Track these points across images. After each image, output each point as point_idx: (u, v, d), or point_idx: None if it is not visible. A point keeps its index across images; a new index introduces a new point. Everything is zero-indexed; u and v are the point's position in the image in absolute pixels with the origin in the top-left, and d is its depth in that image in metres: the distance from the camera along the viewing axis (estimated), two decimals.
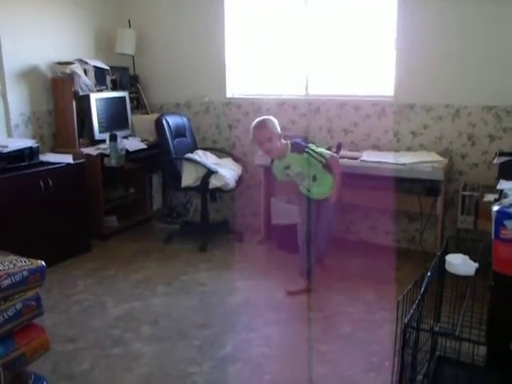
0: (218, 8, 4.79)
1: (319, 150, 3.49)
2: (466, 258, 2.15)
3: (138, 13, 5.18)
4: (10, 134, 4.32)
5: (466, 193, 3.73)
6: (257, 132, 3.43)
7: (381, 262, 4.07)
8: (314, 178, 3.51)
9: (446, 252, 2.41)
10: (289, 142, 3.51)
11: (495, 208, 2.17)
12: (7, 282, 2.28)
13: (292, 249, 4.18)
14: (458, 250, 2.49)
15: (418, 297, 1.96)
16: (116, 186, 4.95)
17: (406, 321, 1.78)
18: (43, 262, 2.47)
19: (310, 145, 3.51)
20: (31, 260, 2.44)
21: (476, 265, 2.11)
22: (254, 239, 4.57)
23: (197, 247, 4.39)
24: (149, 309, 3.37)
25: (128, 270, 3.99)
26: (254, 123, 3.45)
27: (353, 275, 3.87)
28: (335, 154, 3.60)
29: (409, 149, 4.19)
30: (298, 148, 3.46)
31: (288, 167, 3.51)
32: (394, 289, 3.57)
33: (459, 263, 2.12)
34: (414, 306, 1.89)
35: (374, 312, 3.27)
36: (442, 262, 2.31)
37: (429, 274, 2.10)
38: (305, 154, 3.42)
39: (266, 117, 3.50)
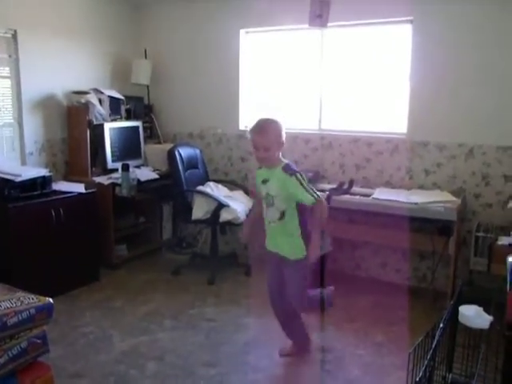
0: (234, 40, 4.85)
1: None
2: (480, 310, 2.11)
3: (154, 43, 5.26)
4: (24, 162, 4.36)
5: (479, 234, 3.68)
6: (256, 136, 2.83)
7: (391, 301, 4.02)
8: (282, 215, 2.87)
9: (459, 301, 2.37)
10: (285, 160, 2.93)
11: (510, 259, 2.13)
12: (14, 320, 2.27)
13: None
14: (471, 294, 2.46)
15: (430, 351, 1.91)
16: (127, 215, 4.95)
17: (418, 379, 1.73)
18: (51, 300, 2.47)
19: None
20: (39, 297, 2.44)
21: (490, 318, 2.06)
22: (262, 272, 4.51)
23: (205, 280, 4.36)
24: (155, 344, 3.33)
25: (135, 301, 3.97)
26: (255, 124, 2.86)
27: (362, 314, 3.81)
28: (325, 202, 2.99)
29: (421, 187, 4.16)
30: (289, 168, 2.84)
31: (266, 181, 2.91)
32: (404, 330, 3.51)
33: (473, 315, 2.08)
34: (425, 362, 1.84)
35: (383, 356, 3.20)
36: (455, 311, 2.26)
37: (441, 325, 2.06)
38: (292, 176, 2.78)
39: (271, 120, 2.86)
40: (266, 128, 2.82)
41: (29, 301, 2.37)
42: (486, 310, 2.22)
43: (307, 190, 2.79)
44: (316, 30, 4.46)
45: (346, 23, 4.36)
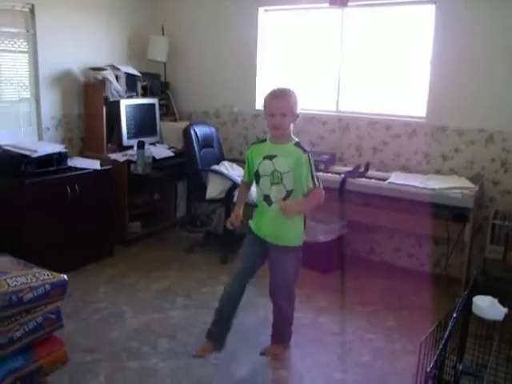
0: (252, 18, 4.78)
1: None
2: (495, 301, 2.08)
3: (172, 20, 5.21)
4: (40, 137, 4.38)
5: (496, 221, 3.64)
6: (273, 101, 2.69)
7: (404, 286, 4.02)
8: (288, 195, 2.72)
9: (473, 290, 2.35)
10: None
11: None
12: (29, 295, 2.31)
13: (314, 266, 4.15)
14: (486, 283, 2.43)
15: (442, 342, 1.90)
16: (141, 192, 4.97)
17: (429, 369, 1.72)
18: (65, 276, 2.50)
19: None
20: (54, 274, 2.47)
21: (505, 310, 2.04)
22: None
23: (218, 259, 4.37)
24: (167, 321, 3.36)
25: (149, 278, 4.00)
26: (272, 90, 2.74)
27: (375, 298, 3.80)
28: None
29: (438, 172, 4.11)
30: (303, 146, 2.75)
31: (272, 157, 2.71)
32: (416, 316, 3.52)
33: (488, 306, 2.05)
34: (437, 352, 1.84)
35: (393, 341, 3.21)
36: (469, 301, 2.24)
37: (454, 315, 2.04)
38: (306, 155, 2.69)
39: (289, 88, 2.76)
40: (286, 92, 2.70)
41: (44, 277, 2.40)
42: (501, 301, 2.20)
43: (313, 174, 2.70)
44: (336, 9, 4.36)
45: (368, 2, 4.27)
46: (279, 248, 2.83)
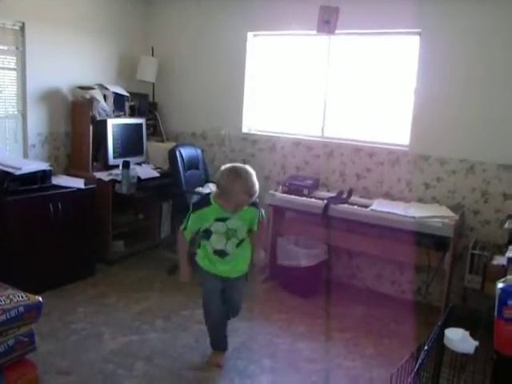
0: (241, 43, 4.85)
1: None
2: (466, 334, 2.10)
3: (162, 41, 5.27)
4: (26, 154, 4.37)
5: (475, 251, 3.67)
6: (244, 182, 2.72)
7: (384, 313, 4.02)
8: (240, 243, 2.95)
9: (447, 322, 2.36)
10: None
11: (500, 285, 2.12)
12: (2, 317, 2.30)
13: (295, 291, 4.16)
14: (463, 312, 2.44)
15: (412, 374, 1.91)
16: (126, 212, 4.97)
17: None
18: (40, 298, 2.48)
19: None
20: (29, 295, 2.45)
21: (476, 343, 2.06)
22: (259, 277, 4.53)
23: (200, 281, 4.35)
24: (145, 344, 3.34)
25: (129, 299, 3.98)
26: (235, 170, 2.75)
27: (355, 325, 3.80)
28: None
29: (420, 200, 4.15)
30: (255, 202, 2.92)
31: (225, 219, 2.84)
32: (396, 344, 3.52)
33: (458, 339, 2.07)
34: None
35: (371, 368, 3.20)
36: (443, 331, 2.25)
37: (426, 348, 2.05)
38: (258, 209, 2.93)
39: (249, 168, 2.81)
40: (251, 174, 2.77)
41: (18, 299, 2.39)
42: (475, 331, 2.22)
43: (260, 212, 2.98)
44: (324, 36, 4.44)
45: (354, 31, 4.34)
46: (237, 278, 3.09)
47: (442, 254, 3.84)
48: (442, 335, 2.25)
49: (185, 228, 2.89)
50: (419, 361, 1.99)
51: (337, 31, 4.28)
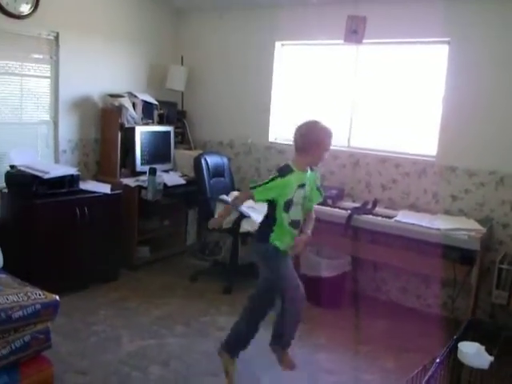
0: (269, 52, 4.88)
1: None
2: (482, 349, 2.02)
3: (191, 51, 5.35)
4: (57, 159, 4.49)
5: (503, 266, 3.56)
6: (330, 139, 2.87)
7: (408, 327, 3.93)
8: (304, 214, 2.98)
9: (464, 335, 2.29)
10: None
11: None
12: (19, 313, 2.34)
13: (318, 303, 4.10)
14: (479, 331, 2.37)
15: None
16: (152, 218, 5.02)
17: None
18: (57, 297, 2.53)
19: None
20: (46, 293, 2.50)
21: (491, 358, 1.98)
22: None
23: (222, 289, 4.37)
24: (163, 348, 3.36)
25: (150, 304, 4.01)
26: (327, 128, 2.87)
27: (376, 338, 3.73)
28: None
29: (447, 212, 4.06)
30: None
31: (303, 185, 2.87)
32: (417, 359, 3.41)
33: (472, 354, 2.00)
34: None
35: (390, 383, 3.12)
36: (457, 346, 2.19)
37: (437, 360, 1.99)
38: (314, 171, 2.97)
39: None
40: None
41: (35, 296, 2.44)
42: (494, 346, 2.14)
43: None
44: (351, 45, 4.42)
45: (382, 41, 4.31)
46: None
47: (469, 267, 3.73)
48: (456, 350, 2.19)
49: (255, 189, 2.82)
50: (429, 373, 1.93)
51: (364, 40, 4.29)
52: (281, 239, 2.89)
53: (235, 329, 3.03)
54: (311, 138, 2.82)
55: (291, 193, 2.81)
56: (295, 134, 2.90)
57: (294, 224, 2.88)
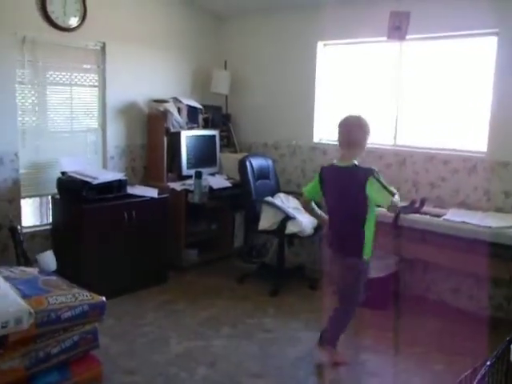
0: (311, 53, 4.85)
1: None
2: None
3: (234, 55, 5.40)
4: (105, 165, 4.63)
5: None
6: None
7: (460, 328, 3.79)
8: None
9: None
10: None
11: None
12: (67, 314, 2.43)
13: (365, 303, 4.02)
14: None
15: None
16: (199, 221, 5.09)
17: None
18: (104, 298, 2.60)
19: None
20: (93, 295, 2.58)
21: None
22: (329, 288, 4.44)
23: (268, 291, 4.36)
24: (209, 350, 3.39)
25: (197, 306, 4.06)
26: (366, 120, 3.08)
27: (426, 339, 3.62)
28: None
29: (500, 210, 3.90)
30: None
31: None
32: (469, 362, 3.28)
33: None
34: None
35: None
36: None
37: (488, 363, 1.91)
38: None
39: None
40: None
41: (83, 297, 2.52)
42: None
43: None
44: (394, 42, 4.34)
45: (426, 36, 4.20)
46: None
47: None
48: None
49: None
50: (478, 376, 1.85)
51: (408, 36, 4.19)
52: (370, 248, 3.08)
53: (338, 323, 3.21)
54: (363, 132, 3.01)
55: None
56: (343, 130, 3.03)
57: None
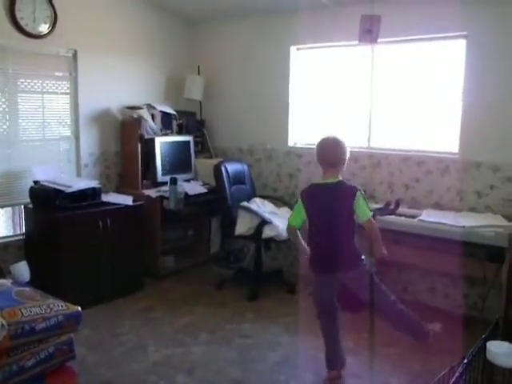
0: (284, 57, 4.87)
1: None
2: None
3: (207, 60, 5.40)
4: (79, 173, 4.57)
5: None
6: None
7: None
8: None
9: (492, 335, 2.22)
10: None
11: None
12: (42, 325, 2.37)
13: (344, 307, 4.03)
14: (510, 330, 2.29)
15: None
16: (175, 228, 5.05)
17: None
18: (79, 308, 2.55)
19: None
20: (68, 305, 2.53)
21: None
22: (306, 291, 4.46)
23: (247, 296, 4.35)
24: (187, 357, 3.35)
25: (175, 313, 4.02)
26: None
27: (403, 340, 3.63)
28: None
29: (473, 209, 3.96)
30: None
31: None
32: (445, 361, 3.31)
33: (502, 353, 1.92)
34: None
35: None
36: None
37: (465, 361, 1.93)
38: None
39: None
40: None
41: (58, 308, 2.47)
42: None
43: None
44: (366, 45, 4.39)
45: (397, 39, 4.25)
46: None
47: (498, 265, 3.63)
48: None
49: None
50: (456, 374, 1.87)
51: (379, 40, 4.24)
52: None
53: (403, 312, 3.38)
54: (340, 153, 3.11)
55: None
56: (323, 153, 3.14)
57: None
